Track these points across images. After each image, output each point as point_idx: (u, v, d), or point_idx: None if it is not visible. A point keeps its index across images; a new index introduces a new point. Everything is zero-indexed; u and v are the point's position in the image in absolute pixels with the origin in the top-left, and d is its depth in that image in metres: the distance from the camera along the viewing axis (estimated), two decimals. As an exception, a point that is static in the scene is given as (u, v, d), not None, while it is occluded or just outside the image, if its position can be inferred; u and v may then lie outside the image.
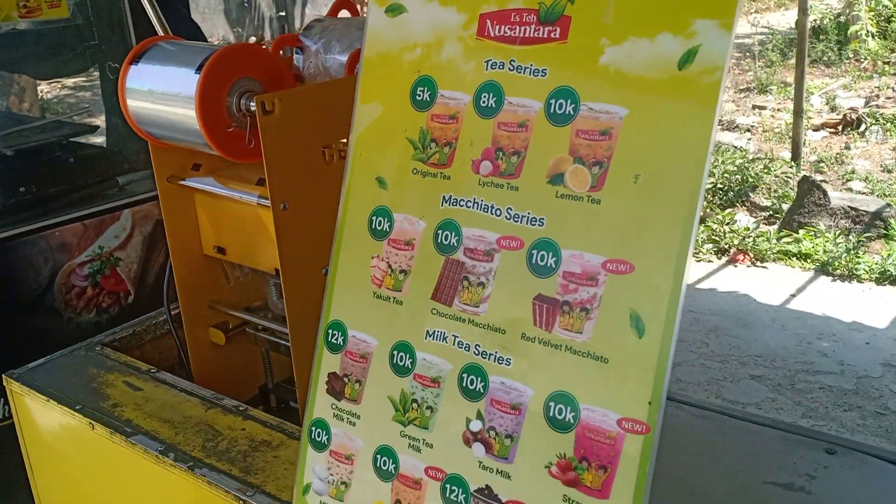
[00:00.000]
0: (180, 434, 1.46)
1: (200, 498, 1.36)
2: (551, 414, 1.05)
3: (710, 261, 5.29)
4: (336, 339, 1.25)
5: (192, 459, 1.39)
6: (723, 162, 6.32)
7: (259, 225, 1.60)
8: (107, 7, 2.82)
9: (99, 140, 3.10)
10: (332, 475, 1.23)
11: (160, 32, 1.64)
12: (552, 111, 1.09)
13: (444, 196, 1.18)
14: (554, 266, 1.07)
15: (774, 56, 9.07)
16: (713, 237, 5.43)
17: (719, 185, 6.07)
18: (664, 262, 1.00)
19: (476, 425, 1.11)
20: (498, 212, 1.13)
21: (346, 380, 1.23)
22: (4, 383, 1.66)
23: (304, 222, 1.48)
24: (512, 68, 1.13)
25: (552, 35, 1.10)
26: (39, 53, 3.06)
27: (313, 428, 1.26)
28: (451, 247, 1.16)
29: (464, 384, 1.13)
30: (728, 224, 5.57)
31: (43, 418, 1.64)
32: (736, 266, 5.19)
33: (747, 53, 9.41)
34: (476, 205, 1.15)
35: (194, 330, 1.77)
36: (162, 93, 1.47)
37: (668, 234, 1.00)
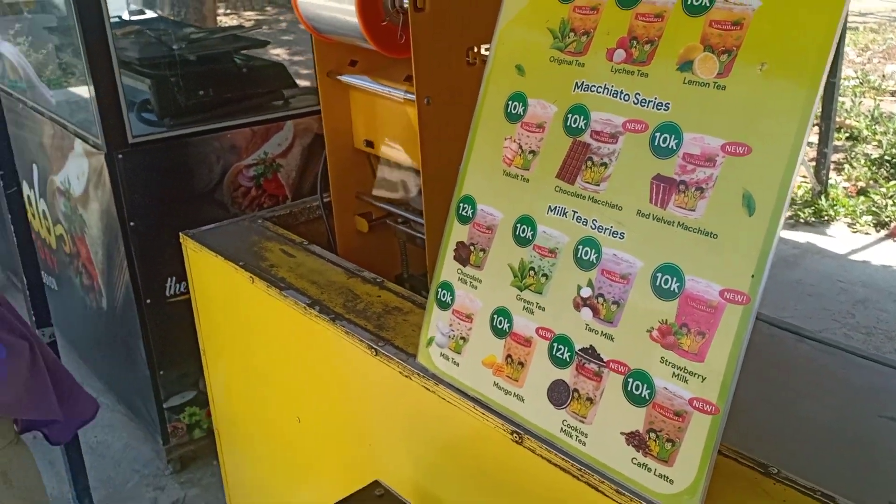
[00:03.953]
0: (325, 293, 1.62)
1: (339, 346, 1.51)
2: (657, 283, 1.12)
3: (867, 233, 5.02)
4: (466, 212, 1.36)
5: (333, 313, 1.55)
6: (894, 132, 5.94)
7: (406, 122, 1.72)
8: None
9: (273, 55, 3.32)
10: (452, 331, 1.35)
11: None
12: (689, 3, 1.15)
13: (576, 82, 1.25)
14: (675, 148, 1.13)
15: (969, 26, 8.34)
16: (873, 209, 5.14)
17: (886, 157, 5.72)
18: (781, 147, 1.04)
19: (586, 292, 1.19)
20: (626, 97, 1.19)
21: (472, 248, 1.34)
22: (181, 240, 1.88)
23: (445, 118, 1.58)
24: None
25: (700, -60, 1.16)
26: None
27: (440, 289, 1.38)
28: (579, 129, 1.24)
29: (578, 255, 1.21)
30: (891, 197, 5.26)
31: (211, 272, 1.86)
32: (895, 241, 4.91)
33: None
34: (606, 90, 1.22)
35: (342, 216, 1.93)
36: (327, -13, 1.61)
37: (786, 121, 1.04)
